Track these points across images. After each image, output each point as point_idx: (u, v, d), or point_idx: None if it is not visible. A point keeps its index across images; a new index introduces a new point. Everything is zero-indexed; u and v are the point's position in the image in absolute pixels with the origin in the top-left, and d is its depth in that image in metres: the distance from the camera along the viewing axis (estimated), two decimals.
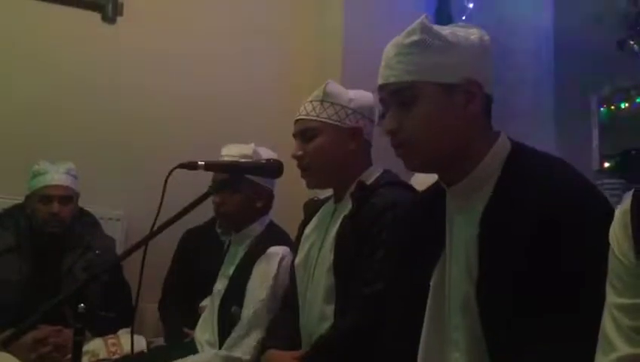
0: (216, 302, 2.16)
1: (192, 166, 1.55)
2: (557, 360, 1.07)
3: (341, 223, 1.77)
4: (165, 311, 2.72)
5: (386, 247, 1.63)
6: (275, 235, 2.18)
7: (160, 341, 2.56)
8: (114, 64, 3.14)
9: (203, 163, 1.57)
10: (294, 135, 1.90)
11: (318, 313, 1.77)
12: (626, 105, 3.16)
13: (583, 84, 3.28)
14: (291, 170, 1.87)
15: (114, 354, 2.31)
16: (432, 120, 1.27)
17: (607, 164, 3.20)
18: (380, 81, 1.33)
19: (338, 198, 1.88)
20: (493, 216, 1.20)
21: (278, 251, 2.08)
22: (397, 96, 1.29)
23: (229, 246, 2.31)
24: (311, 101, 1.87)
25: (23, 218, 2.51)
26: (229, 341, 2.00)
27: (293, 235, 2.15)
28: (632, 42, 2.76)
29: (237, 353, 1.96)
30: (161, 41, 3.22)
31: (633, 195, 1.00)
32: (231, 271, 2.16)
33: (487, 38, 1.32)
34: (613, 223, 1.01)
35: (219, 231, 2.75)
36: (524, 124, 3.17)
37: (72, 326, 1.33)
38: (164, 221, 1.45)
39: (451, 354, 1.24)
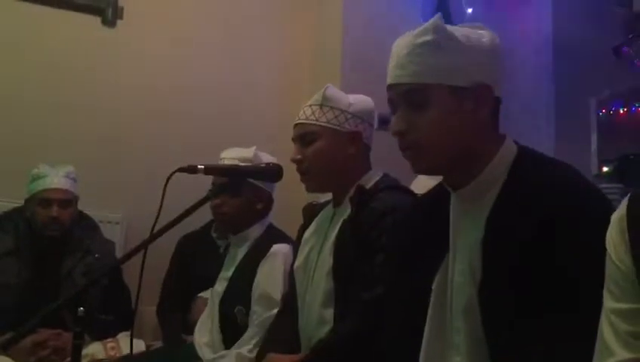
0: (216, 304, 2.16)
1: (191, 170, 1.54)
2: (558, 361, 1.07)
3: (340, 227, 1.77)
4: (164, 317, 2.71)
5: (386, 252, 1.63)
6: (275, 237, 2.19)
7: (159, 344, 2.56)
8: (114, 67, 3.15)
9: (203, 167, 1.56)
10: (293, 139, 1.90)
11: (316, 316, 1.77)
12: (624, 109, 3.17)
13: (582, 87, 3.29)
14: (291, 174, 1.88)
15: (113, 357, 2.31)
16: (443, 124, 1.25)
17: (605, 169, 3.20)
18: (389, 81, 1.30)
19: (337, 202, 1.88)
20: (498, 219, 1.20)
21: (282, 249, 2.09)
22: (407, 97, 1.27)
23: (227, 248, 2.31)
24: (310, 105, 1.87)
25: (23, 221, 2.51)
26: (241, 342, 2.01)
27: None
28: (628, 48, 2.76)
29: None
30: (160, 44, 3.23)
31: (629, 200, 1.00)
32: (230, 273, 2.17)
33: (497, 40, 1.30)
34: (609, 228, 1.01)
35: (214, 235, 2.74)
36: (523, 128, 3.18)
37: (72, 330, 1.33)
38: (163, 224, 1.45)
39: (452, 357, 1.24)
